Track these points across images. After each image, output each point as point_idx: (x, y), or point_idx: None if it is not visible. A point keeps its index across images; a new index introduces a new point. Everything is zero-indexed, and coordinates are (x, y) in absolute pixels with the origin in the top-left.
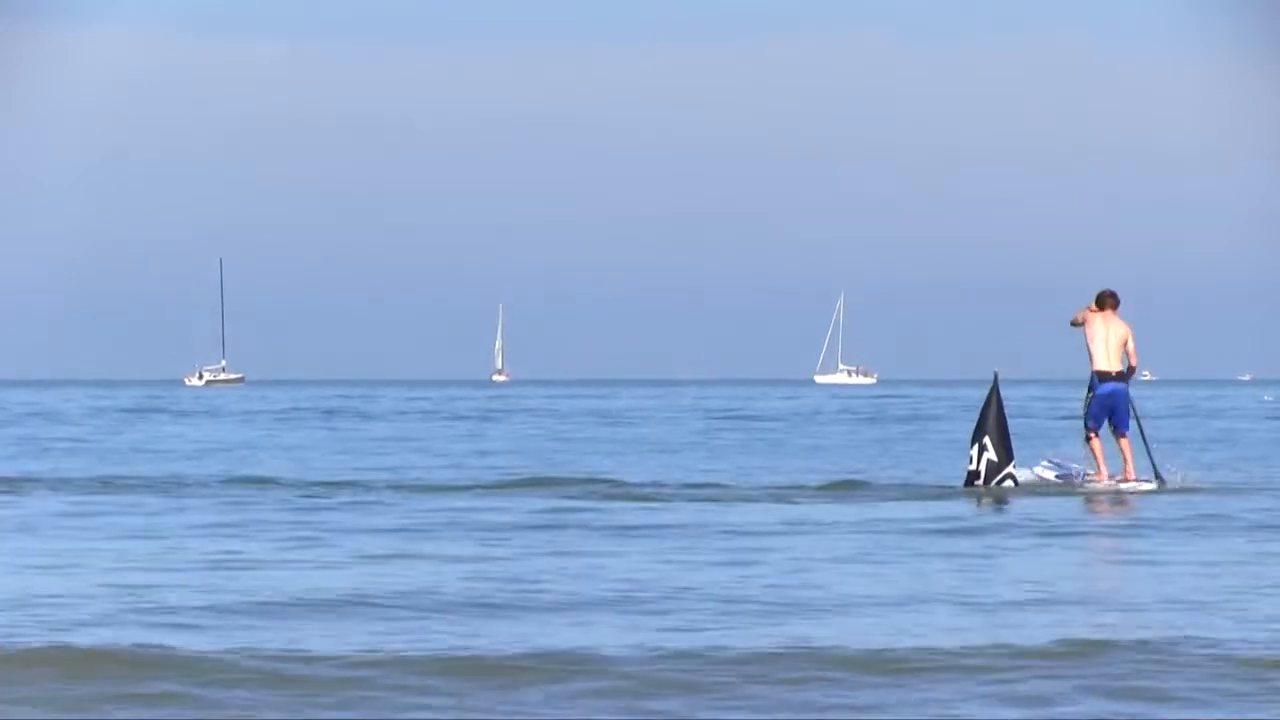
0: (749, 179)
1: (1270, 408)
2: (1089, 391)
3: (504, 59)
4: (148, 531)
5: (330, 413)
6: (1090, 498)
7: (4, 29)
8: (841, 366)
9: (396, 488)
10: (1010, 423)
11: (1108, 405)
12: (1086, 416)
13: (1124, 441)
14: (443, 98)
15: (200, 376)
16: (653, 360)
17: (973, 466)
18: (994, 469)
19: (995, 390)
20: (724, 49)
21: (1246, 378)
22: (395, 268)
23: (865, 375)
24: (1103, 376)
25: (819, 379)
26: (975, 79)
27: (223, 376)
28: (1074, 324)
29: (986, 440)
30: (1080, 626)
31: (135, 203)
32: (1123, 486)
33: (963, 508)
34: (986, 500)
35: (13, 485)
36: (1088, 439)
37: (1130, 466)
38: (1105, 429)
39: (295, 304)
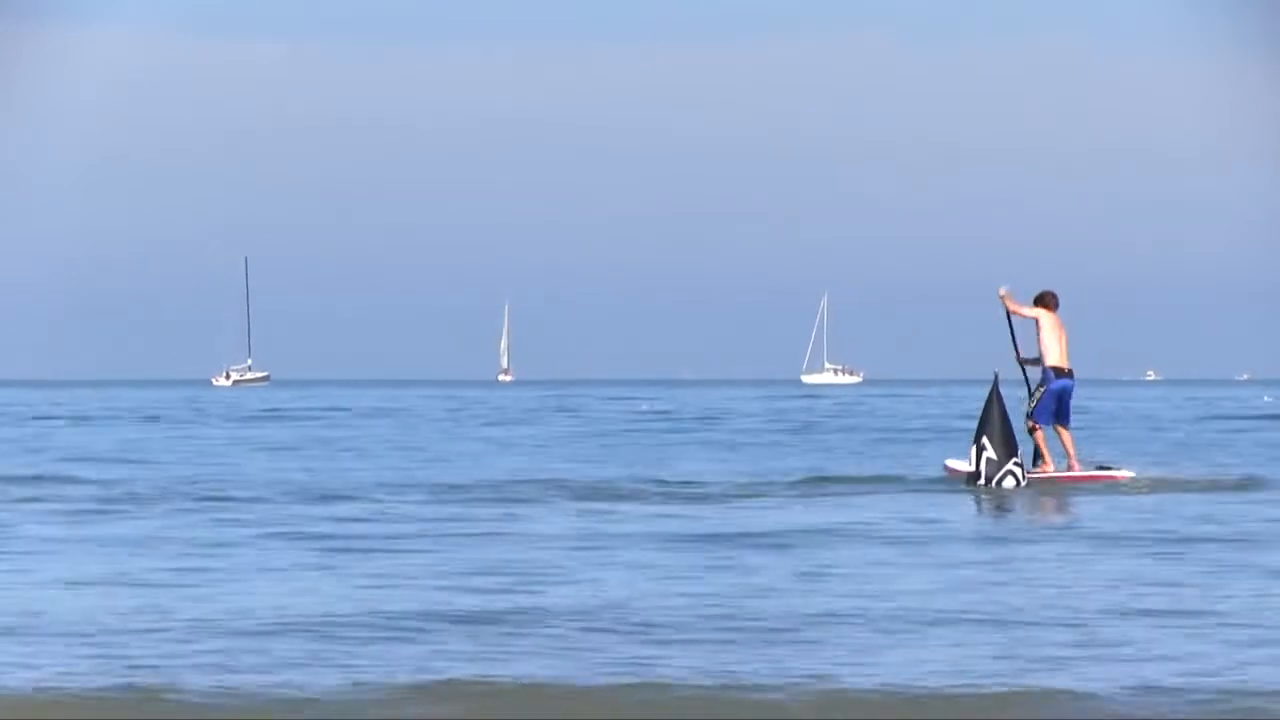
0: (749, 179)
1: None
2: (1040, 386)
3: (504, 59)
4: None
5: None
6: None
7: (4, 29)
8: (828, 366)
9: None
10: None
11: (1060, 400)
12: (1035, 410)
13: (1066, 434)
14: (443, 98)
15: (227, 376)
16: (655, 360)
17: (972, 468)
18: (994, 467)
19: (995, 390)
20: (724, 49)
21: (1244, 377)
22: (398, 268)
23: (851, 374)
24: (1059, 372)
25: (805, 378)
26: (975, 79)
27: (249, 376)
28: (1021, 312)
29: (985, 440)
30: None
31: (136, 203)
32: (1117, 474)
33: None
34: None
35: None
36: (1031, 430)
37: (1073, 455)
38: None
39: (299, 304)
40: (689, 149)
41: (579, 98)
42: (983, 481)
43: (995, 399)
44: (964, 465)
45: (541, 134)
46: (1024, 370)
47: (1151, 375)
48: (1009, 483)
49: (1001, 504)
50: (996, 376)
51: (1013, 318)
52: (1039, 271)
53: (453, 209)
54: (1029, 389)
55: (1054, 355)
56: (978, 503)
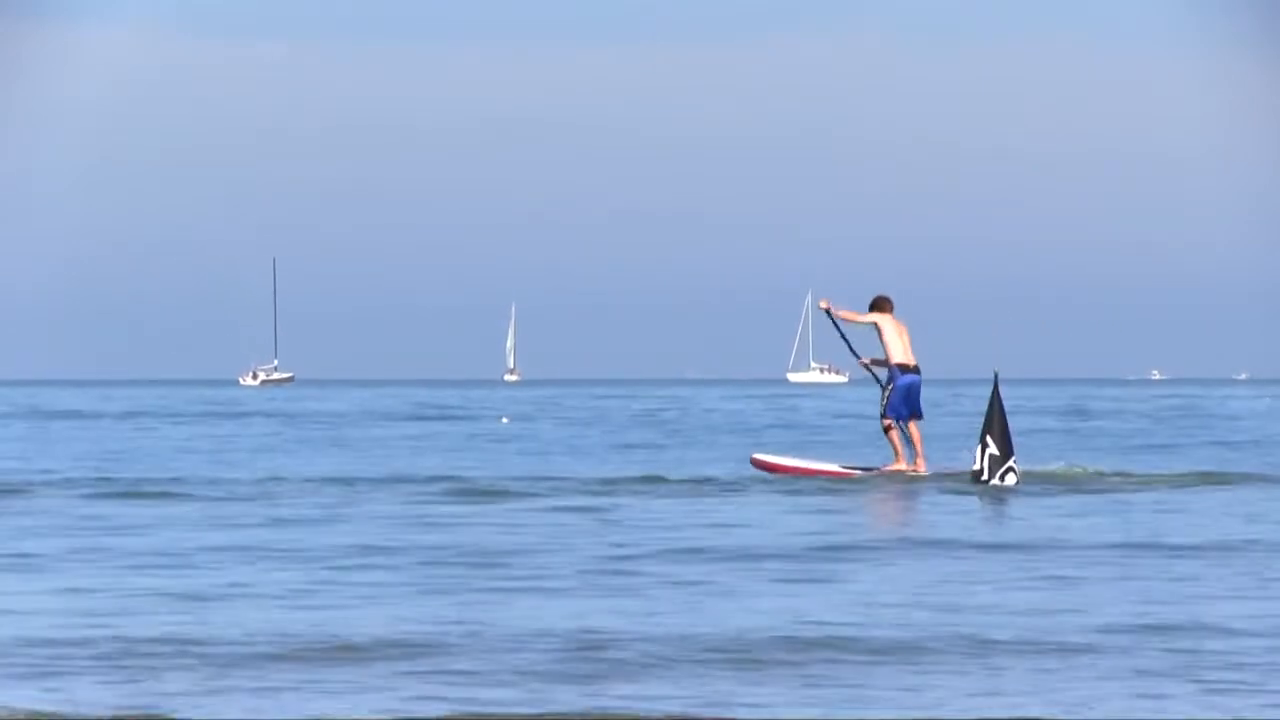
0: (748, 178)
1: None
2: (888, 384)
3: (504, 59)
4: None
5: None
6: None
7: (4, 29)
8: (813, 365)
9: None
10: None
11: (908, 396)
12: (887, 408)
13: (915, 429)
14: (443, 98)
15: (254, 376)
16: (660, 360)
17: (976, 466)
18: (996, 463)
19: (996, 389)
20: (723, 49)
21: (1243, 376)
22: (397, 268)
23: (837, 374)
24: (904, 369)
25: (792, 377)
26: (975, 79)
27: (276, 376)
28: (857, 320)
29: (988, 438)
30: None
31: (137, 204)
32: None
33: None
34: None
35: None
36: (886, 429)
37: (920, 451)
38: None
39: (303, 303)
40: (689, 149)
41: (579, 98)
42: (986, 478)
43: (996, 398)
44: (771, 458)
45: (542, 134)
46: (870, 371)
47: (1156, 374)
48: (1010, 479)
49: (1002, 501)
50: (996, 376)
51: (841, 325)
52: (1039, 271)
53: (454, 209)
54: (881, 387)
55: (898, 353)
56: (983, 500)
